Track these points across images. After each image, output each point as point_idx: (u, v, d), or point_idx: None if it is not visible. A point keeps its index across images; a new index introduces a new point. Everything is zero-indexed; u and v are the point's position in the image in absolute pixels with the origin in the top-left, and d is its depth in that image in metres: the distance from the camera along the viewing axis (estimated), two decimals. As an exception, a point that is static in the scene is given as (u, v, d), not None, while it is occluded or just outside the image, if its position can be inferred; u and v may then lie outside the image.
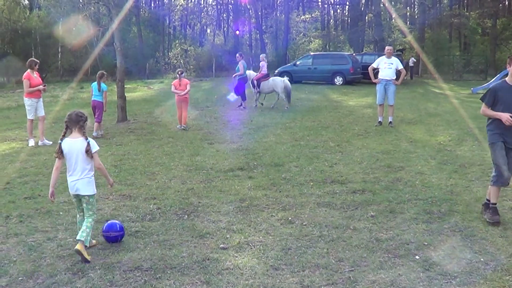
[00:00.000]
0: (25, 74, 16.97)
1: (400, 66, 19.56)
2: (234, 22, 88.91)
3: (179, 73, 20.57)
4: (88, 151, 7.66)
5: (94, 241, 8.03)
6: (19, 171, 13.18)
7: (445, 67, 53.05)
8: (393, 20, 64.76)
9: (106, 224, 8.29)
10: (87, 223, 7.69)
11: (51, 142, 16.93)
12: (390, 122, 19.57)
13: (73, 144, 7.70)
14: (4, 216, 9.47)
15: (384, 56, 19.83)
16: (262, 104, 27.07)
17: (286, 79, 26.55)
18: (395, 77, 19.47)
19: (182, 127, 19.85)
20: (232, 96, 35.09)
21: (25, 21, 56.29)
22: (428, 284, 6.46)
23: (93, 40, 49.13)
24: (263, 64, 26.52)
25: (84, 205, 7.89)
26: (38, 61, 17.43)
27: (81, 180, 7.81)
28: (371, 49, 64.47)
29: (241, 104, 26.49)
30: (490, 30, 62.63)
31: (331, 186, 11.18)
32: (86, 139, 7.73)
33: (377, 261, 7.16)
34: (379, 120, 19.69)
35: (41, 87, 17.18)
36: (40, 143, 16.93)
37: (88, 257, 7.37)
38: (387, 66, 19.38)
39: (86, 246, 7.50)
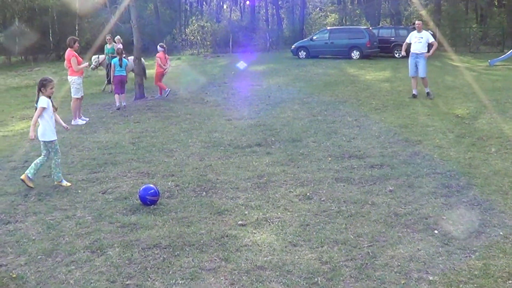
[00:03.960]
0: (68, 52, 16.86)
1: (431, 39, 19.64)
2: None
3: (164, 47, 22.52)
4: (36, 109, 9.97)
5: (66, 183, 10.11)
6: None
7: (462, 40, 52.62)
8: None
9: (148, 189, 8.85)
10: (52, 164, 10.16)
11: (87, 119, 17.16)
12: (428, 93, 19.68)
13: None
14: (23, 195, 9.52)
15: (415, 31, 19.99)
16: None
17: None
18: (425, 51, 19.53)
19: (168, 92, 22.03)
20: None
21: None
22: (447, 259, 6.43)
23: (109, 17, 48.99)
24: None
25: (49, 149, 10.19)
26: (77, 38, 17.41)
27: (39, 128, 10.14)
28: (387, 23, 64.12)
29: None
30: (506, 2, 62.01)
31: (349, 161, 11.15)
32: (37, 100, 10.01)
33: (396, 236, 7.15)
34: (414, 93, 19.74)
35: (86, 64, 17.38)
36: (73, 122, 16.80)
37: (66, 184, 9.98)
38: (417, 40, 19.58)
39: (30, 178, 9.89)
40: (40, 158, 10.19)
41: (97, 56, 25.43)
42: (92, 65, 24.34)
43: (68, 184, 9.98)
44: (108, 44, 24.75)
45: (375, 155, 11.49)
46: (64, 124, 10.52)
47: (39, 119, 9.98)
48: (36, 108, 9.97)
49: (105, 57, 24.71)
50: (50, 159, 10.14)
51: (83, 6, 56.43)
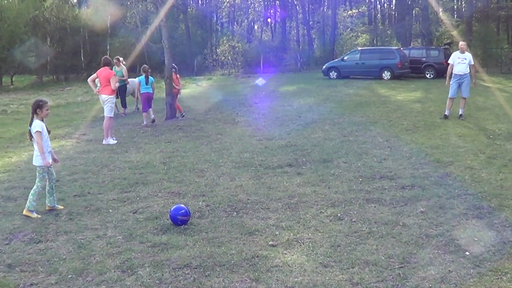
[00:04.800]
0: (108, 71, 17.22)
1: (472, 62, 19.45)
2: (265, 11, 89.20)
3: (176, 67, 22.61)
4: (30, 132, 9.62)
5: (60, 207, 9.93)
6: (68, 168, 13.30)
7: (493, 61, 52.26)
8: (440, 14, 64.04)
9: (179, 209, 8.86)
10: (32, 190, 9.65)
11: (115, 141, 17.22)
12: (461, 115, 19.48)
13: None
14: (54, 214, 9.57)
15: (457, 51, 19.79)
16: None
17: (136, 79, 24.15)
18: (468, 72, 19.37)
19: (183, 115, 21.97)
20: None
21: (74, 19, 56.65)
22: (479, 280, 6.39)
23: (141, 37, 49.30)
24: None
25: (36, 173, 9.79)
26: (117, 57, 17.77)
27: (33, 153, 9.84)
28: (418, 43, 63.89)
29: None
30: (538, 22, 61.70)
31: (380, 182, 11.10)
32: (30, 123, 9.62)
33: (427, 257, 7.09)
34: (446, 113, 19.54)
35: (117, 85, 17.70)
36: (104, 141, 17.00)
37: (35, 216, 9.43)
38: (460, 61, 19.36)
39: (31, 211, 9.49)
40: (34, 186, 9.76)
41: None
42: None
43: (38, 216, 9.48)
44: (117, 67, 23.40)
45: (406, 176, 11.42)
46: (54, 156, 10.29)
47: (33, 144, 9.69)
48: (30, 131, 9.61)
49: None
50: (50, 181, 9.86)
51: (114, 26, 56.91)
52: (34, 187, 9.61)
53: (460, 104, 19.55)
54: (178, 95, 22.92)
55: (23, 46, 50.13)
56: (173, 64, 22.41)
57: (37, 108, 9.57)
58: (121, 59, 23.63)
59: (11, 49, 48.09)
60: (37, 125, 9.52)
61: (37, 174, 9.67)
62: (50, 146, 9.89)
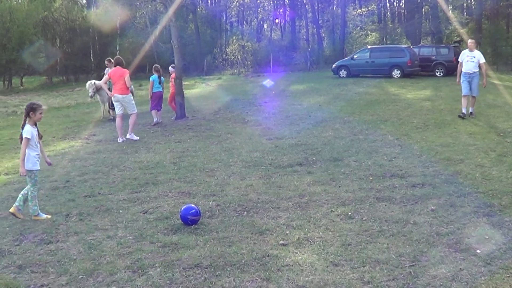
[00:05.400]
0: (123, 70, 17.39)
1: (482, 60, 19.20)
2: (274, 12, 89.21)
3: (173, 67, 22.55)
4: (20, 137, 9.33)
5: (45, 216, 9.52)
6: (78, 169, 13.32)
7: (503, 58, 52.09)
8: (449, 12, 63.91)
9: (189, 209, 8.86)
10: (28, 196, 9.45)
11: (124, 139, 17.42)
12: (471, 112, 19.34)
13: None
14: (64, 215, 9.58)
15: (466, 50, 19.63)
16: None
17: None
18: (477, 70, 19.17)
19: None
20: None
21: (83, 20, 56.82)
22: (490, 279, 6.36)
23: (150, 37, 49.37)
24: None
25: (27, 179, 9.49)
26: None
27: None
28: (428, 41, 63.75)
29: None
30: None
31: (390, 180, 11.07)
32: (22, 127, 9.36)
33: (438, 255, 7.07)
34: (463, 111, 19.34)
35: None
36: (128, 136, 17.46)
37: (45, 217, 9.41)
38: (469, 60, 19.16)
39: (37, 214, 9.40)
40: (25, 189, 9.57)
41: (92, 82, 23.36)
42: (90, 93, 22.76)
43: (48, 216, 9.49)
44: (108, 68, 22.31)
45: (417, 174, 11.39)
46: (47, 159, 10.11)
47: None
48: (21, 135, 9.29)
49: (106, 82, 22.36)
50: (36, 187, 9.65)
51: (124, 26, 57.03)
52: (29, 193, 9.42)
53: (470, 102, 19.44)
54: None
55: (33, 47, 50.33)
56: (172, 65, 22.34)
57: (30, 111, 9.33)
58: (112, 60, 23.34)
59: (21, 50, 48.28)
60: (28, 130, 9.28)
61: (28, 179, 9.44)
62: (39, 152, 9.63)
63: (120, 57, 18.14)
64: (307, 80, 40.74)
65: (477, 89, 19.32)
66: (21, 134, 9.26)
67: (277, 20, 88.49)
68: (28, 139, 9.24)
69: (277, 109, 23.92)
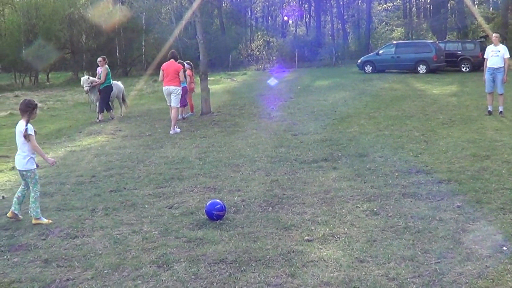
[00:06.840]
0: (176, 65, 18.22)
1: (507, 55, 18.64)
2: (281, 9, 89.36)
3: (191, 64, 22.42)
4: (25, 135, 8.98)
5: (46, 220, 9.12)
6: (104, 164, 13.37)
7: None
8: (475, 7, 63.52)
9: (214, 204, 8.89)
10: (31, 198, 9.12)
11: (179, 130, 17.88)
12: (501, 112, 18.70)
13: (17, 126, 9.19)
14: (90, 209, 9.62)
15: (491, 45, 19.20)
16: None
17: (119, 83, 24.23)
18: (503, 65, 18.57)
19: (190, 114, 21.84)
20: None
21: (108, 16, 56.99)
22: (517, 276, 6.30)
23: (175, 33, 49.39)
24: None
25: (27, 180, 9.24)
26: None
27: (17, 156, 9.21)
28: (454, 37, 63.37)
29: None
30: None
31: (416, 176, 11.00)
32: (26, 124, 9.01)
33: (464, 252, 7.01)
34: (489, 109, 19.00)
35: None
36: (172, 131, 17.82)
37: (46, 221, 9.03)
38: (494, 54, 18.65)
39: (38, 218, 9.03)
40: (32, 192, 9.18)
41: (87, 77, 23.08)
42: (85, 87, 22.16)
43: (50, 221, 9.16)
44: (100, 68, 22.62)
45: (443, 171, 11.31)
46: (47, 159, 9.97)
47: (22, 146, 9.09)
48: (26, 131, 8.94)
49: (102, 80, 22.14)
50: (27, 188, 9.39)
51: (149, 22, 57.13)
52: (32, 194, 9.14)
53: (498, 101, 18.96)
54: (192, 93, 22.74)
55: (59, 43, 50.53)
56: (189, 61, 22.22)
57: (34, 108, 9.22)
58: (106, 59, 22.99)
59: (47, 46, 48.47)
60: (31, 127, 9.07)
61: (29, 180, 9.19)
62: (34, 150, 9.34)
63: (175, 51, 19.00)
64: (332, 76, 40.73)
65: (502, 86, 18.74)
66: (26, 131, 8.95)
67: (286, 18, 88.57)
68: (32, 135, 9.10)
69: (302, 104, 23.89)
